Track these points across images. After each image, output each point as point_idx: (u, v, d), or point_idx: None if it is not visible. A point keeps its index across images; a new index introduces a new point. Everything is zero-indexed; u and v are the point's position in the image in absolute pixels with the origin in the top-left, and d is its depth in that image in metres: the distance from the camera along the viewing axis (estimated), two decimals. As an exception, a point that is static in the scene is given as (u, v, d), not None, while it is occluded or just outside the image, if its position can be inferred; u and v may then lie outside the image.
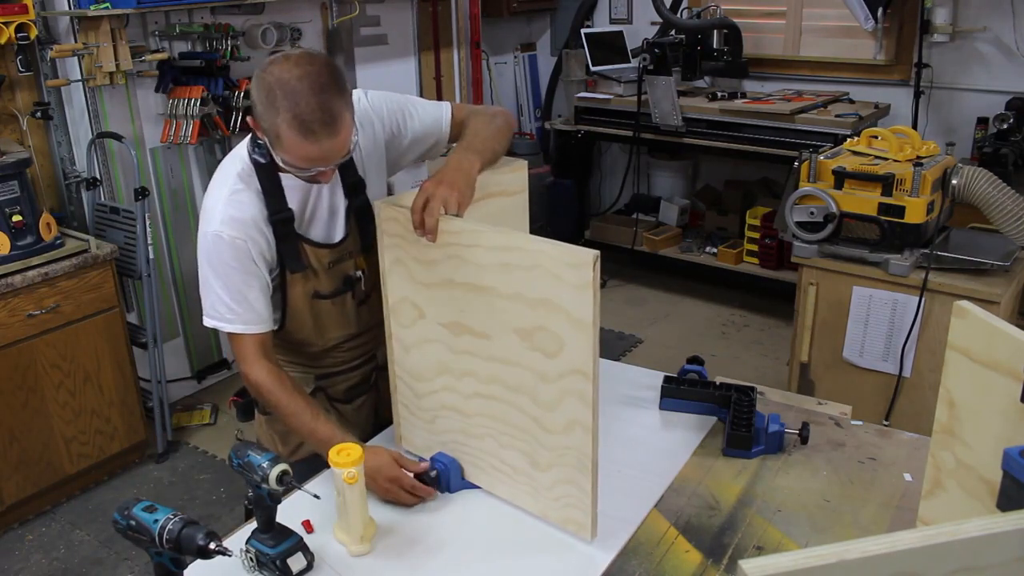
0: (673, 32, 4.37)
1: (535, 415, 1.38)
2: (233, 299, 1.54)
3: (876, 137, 2.79)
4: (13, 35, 2.80)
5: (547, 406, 1.35)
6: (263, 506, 1.34)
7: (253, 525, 1.39)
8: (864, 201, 2.62)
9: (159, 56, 3.25)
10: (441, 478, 1.54)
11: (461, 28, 4.86)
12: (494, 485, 1.53)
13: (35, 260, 2.77)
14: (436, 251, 1.43)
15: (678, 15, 4.50)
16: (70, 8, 3.06)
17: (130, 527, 1.22)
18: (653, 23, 4.80)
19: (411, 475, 1.51)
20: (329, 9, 4.02)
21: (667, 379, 1.82)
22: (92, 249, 2.92)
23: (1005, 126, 3.62)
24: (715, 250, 4.53)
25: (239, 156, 1.57)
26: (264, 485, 1.29)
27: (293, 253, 1.59)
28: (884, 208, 2.59)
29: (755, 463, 1.61)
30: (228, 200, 1.53)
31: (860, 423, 1.75)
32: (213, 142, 3.64)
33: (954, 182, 2.58)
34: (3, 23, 2.77)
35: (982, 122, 3.87)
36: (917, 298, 2.59)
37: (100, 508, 3.02)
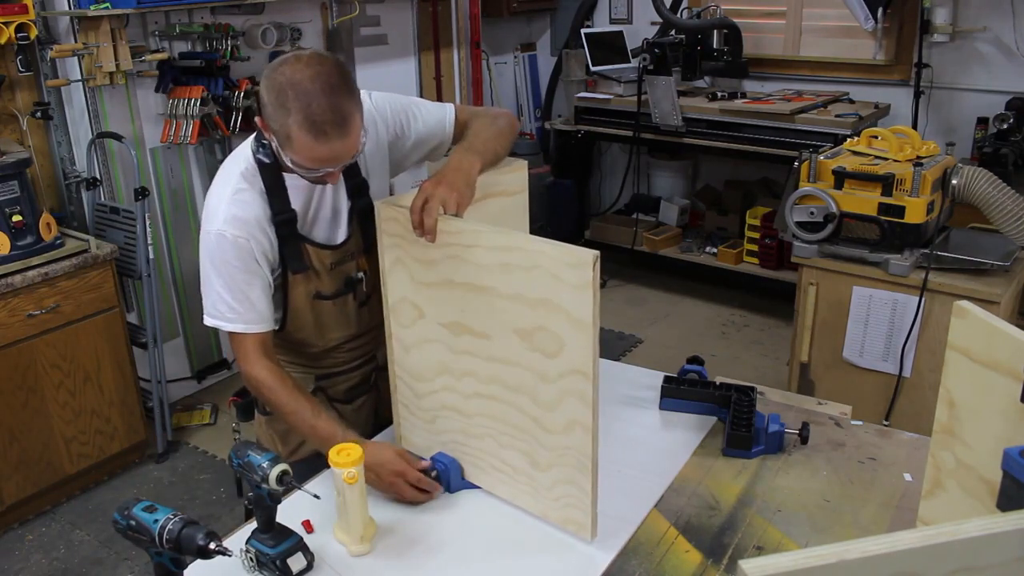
0: (673, 32, 4.37)
1: (535, 415, 1.38)
2: (235, 298, 1.54)
3: (876, 137, 2.79)
4: (13, 35, 2.80)
5: (547, 406, 1.35)
6: (263, 506, 1.34)
7: (253, 525, 1.39)
8: (864, 201, 2.62)
9: (159, 56, 3.25)
10: (441, 478, 1.54)
11: (461, 28, 4.86)
12: (494, 485, 1.53)
13: (35, 260, 2.77)
14: (436, 251, 1.43)
15: (678, 15, 4.50)
16: (70, 8, 3.06)
17: (130, 527, 1.22)
18: (653, 23, 4.80)
19: (415, 472, 1.51)
20: (329, 9, 4.02)
21: (667, 379, 1.82)
22: (92, 249, 2.92)
23: (1005, 126, 3.62)
24: (715, 250, 4.53)
25: (242, 156, 1.57)
26: (264, 485, 1.29)
27: (296, 254, 1.59)
28: (884, 208, 2.59)
29: (755, 463, 1.61)
30: (232, 199, 1.53)
31: (860, 423, 1.75)
32: (213, 142, 3.64)
33: (954, 182, 2.58)
34: (3, 23, 2.77)
35: (982, 122, 3.87)
36: (917, 298, 2.59)
37: (100, 508, 3.02)
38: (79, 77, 3.15)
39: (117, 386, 3.07)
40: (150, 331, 3.25)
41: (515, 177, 1.66)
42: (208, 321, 1.58)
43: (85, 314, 2.93)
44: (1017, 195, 2.54)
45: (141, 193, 3.13)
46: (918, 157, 2.63)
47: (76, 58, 3.10)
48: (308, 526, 1.45)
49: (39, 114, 3.08)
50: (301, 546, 1.36)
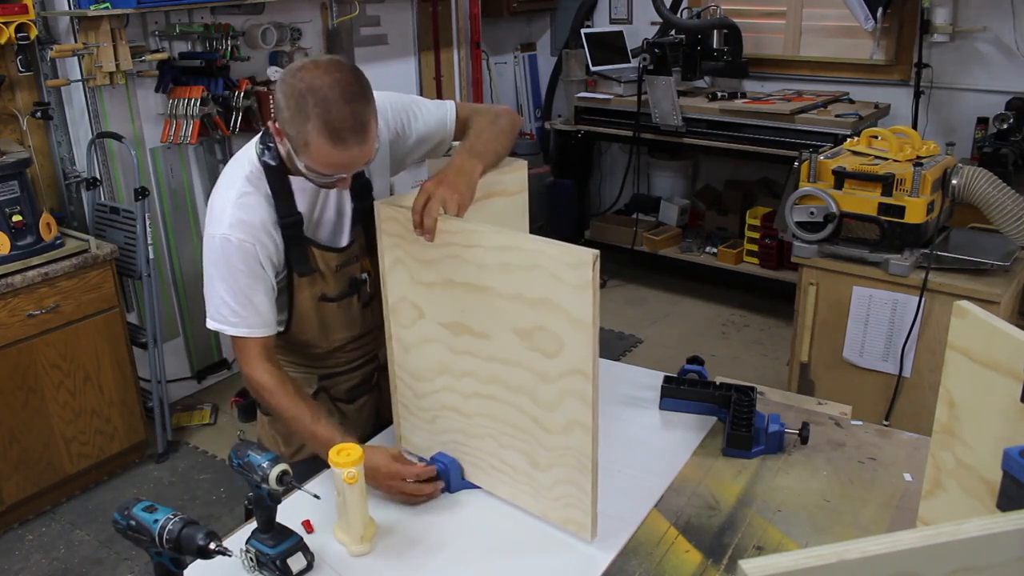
0: (673, 32, 4.37)
1: (535, 415, 1.38)
2: (237, 303, 1.53)
3: (876, 137, 2.79)
4: (13, 35, 2.80)
5: (547, 406, 1.35)
6: (263, 506, 1.34)
7: (253, 525, 1.39)
8: (864, 201, 2.62)
9: (159, 56, 3.25)
10: (441, 478, 1.54)
11: (461, 28, 4.86)
12: (494, 485, 1.53)
13: (35, 260, 2.77)
14: (436, 251, 1.43)
15: (678, 15, 4.50)
16: (70, 8, 3.06)
17: (130, 527, 1.22)
18: (653, 23, 4.80)
19: (411, 469, 1.51)
20: (329, 9, 4.02)
21: (667, 379, 1.82)
22: (92, 249, 2.92)
23: (1005, 126, 3.62)
24: (715, 250, 4.53)
25: (247, 158, 1.57)
26: (264, 485, 1.29)
27: (302, 257, 1.59)
28: (884, 208, 2.59)
29: (755, 463, 1.61)
30: (237, 203, 1.52)
31: (860, 423, 1.75)
32: (213, 142, 3.64)
33: (954, 182, 2.58)
34: (3, 23, 2.77)
35: (982, 122, 3.87)
36: (917, 298, 2.59)
37: (100, 508, 3.02)
38: (79, 77, 3.15)
39: (117, 386, 3.07)
40: (150, 331, 3.25)
41: (515, 177, 1.66)
42: (211, 324, 1.57)
43: (85, 314, 2.93)
44: (1017, 195, 2.54)
45: (141, 193, 3.13)
46: (918, 157, 2.63)
47: (76, 58, 3.10)
48: (308, 526, 1.45)
49: (39, 114, 3.08)
50: (301, 546, 1.36)
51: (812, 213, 2.70)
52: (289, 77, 1.40)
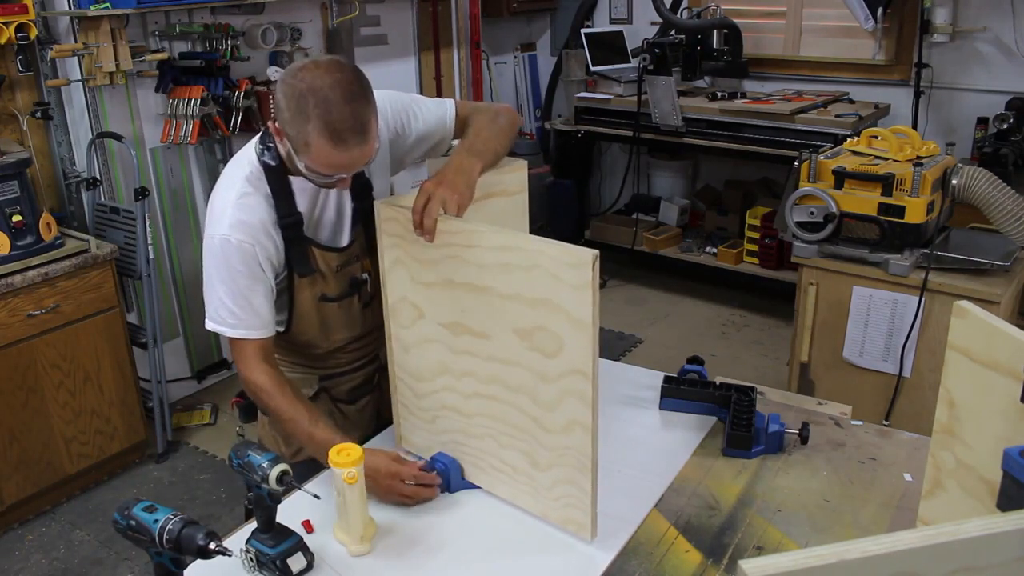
0: (673, 32, 4.37)
1: (535, 415, 1.38)
2: (236, 304, 1.53)
3: (876, 137, 2.79)
4: (13, 35, 2.80)
5: (547, 406, 1.35)
6: (263, 506, 1.34)
7: (253, 525, 1.39)
8: (864, 201, 2.62)
9: (159, 56, 3.25)
10: (441, 478, 1.54)
11: (461, 28, 4.86)
12: (494, 485, 1.53)
13: (35, 260, 2.77)
14: (436, 251, 1.43)
15: (678, 15, 4.50)
16: (70, 8, 3.06)
17: (130, 527, 1.22)
18: (653, 23, 4.80)
19: (411, 468, 1.51)
20: (329, 9, 4.02)
21: (667, 379, 1.82)
22: (92, 249, 2.92)
23: (1005, 126, 3.62)
24: (715, 250, 4.53)
25: (246, 158, 1.56)
26: (264, 485, 1.29)
27: (302, 257, 1.59)
28: (884, 208, 2.59)
29: (755, 463, 1.61)
30: (237, 203, 1.52)
31: (860, 423, 1.75)
32: (213, 142, 3.64)
33: (954, 182, 2.58)
34: (3, 23, 2.77)
35: (982, 122, 3.87)
36: (917, 298, 2.59)
37: (100, 508, 3.02)
38: (79, 77, 3.15)
39: (117, 386, 3.07)
40: (150, 331, 3.25)
41: (515, 177, 1.66)
42: (209, 325, 1.57)
43: (85, 314, 2.93)
44: (1017, 195, 2.54)
45: (141, 193, 3.13)
46: (918, 157, 2.63)
47: (76, 58, 3.10)
48: (308, 526, 1.45)
49: (39, 114, 3.08)
50: (301, 546, 1.36)
51: (812, 213, 2.70)
52: (289, 77, 1.39)
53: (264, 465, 1.28)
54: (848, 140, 2.93)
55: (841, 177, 2.66)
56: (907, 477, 1.55)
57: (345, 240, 1.65)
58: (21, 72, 3.03)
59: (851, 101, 4.21)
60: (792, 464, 1.61)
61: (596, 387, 1.27)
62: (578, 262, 1.21)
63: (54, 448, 2.92)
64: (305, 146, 1.39)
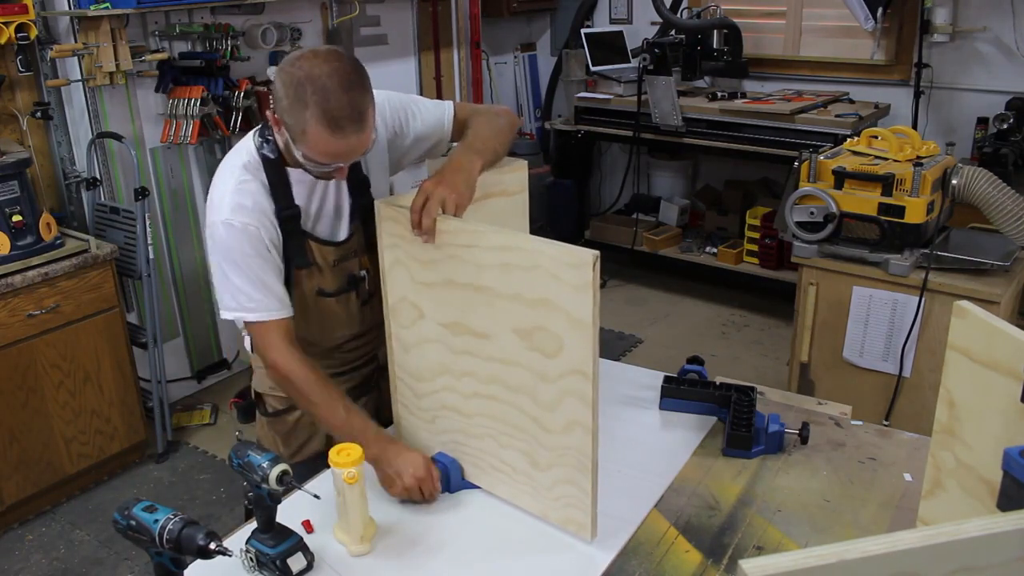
0: (673, 32, 4.37)
1: (535, 415, 1.38)
2: (252, 286, 1.52)
3: (876, 137, 2.79)
4: (13, 35, 2.80)
5: (547, 406, 1.35)
6: (263, 506, 1.34)
7: (253, 525, 1.39)
8: (864, 201, 2.62)
9: (159, 56, 3.25)
10: (441, 478, 1.54)
11: (461, 28, 4.86)
12: (494, 485, 1.53)
13: (35, 260, 2.77)
14: (436, 251, 1.43)
15: (678, 15, 4.50)
16: (70, 8, 3.06)
17: (130, 527, 1.22)
18: (653, 23, 4.80)
19: (436, 484, 1.51)
20: (329, 9, 4.02)
21: (667, 379, 1.82)
22: (92, 249, 2.92)
23: (1005, 126, 3.62)
24: (715, 250, 4.53)
25: (245, 149, 1.57)
26: (264, 485, 1.29)
27: (299, 249, 1.59)
28: (884, 208, 2.59)
29: (755, 463, 1.61)
30: (236, 189, 1.52)
31: (860, 423, 1.75)
32: (213, 142, 3.64)
33: (954, 182, 2.58)
34: (3, 23, 2.77)
35: (982, 122, 3.87)
36: (917, 298, 2.59)
37: (100, 508, 3.02)
38: (79, 77, 3.15)
39: (117, 386, 3.07)
40: (150, 331, 3.25)
41: (515, 177, 1.66)
42: (226, 315, 1.55)
43: (85, 314, 2.93)
44: (1017, 195, 2.54)
45: (141, 193, 3.13)
46: (918, 157, 2.63)
47: (76, 58, 3.10)
48: (308, 526, 1.45)
49: (39, 114, 3.08)
50: (301, 546, 1.36)
51: (812, 213, 2.70)
52: (288, 66, 1.40)
53: (264, 465, 1.29)
54: (848, 140, 2.93)
55: (841, 177, 2.65)
56: (907, 477, 1.55)
57: (342, 235, 1.66)
58: (21, 72, 3.03)
59: (851, 101, 4.20)
60: (792, 464, 1.61)
61: (596, 387, 1.27)
62: (578, 262, 1.21)
63: (54, 448, 2.92)
64: (303, 134, 1.39)
